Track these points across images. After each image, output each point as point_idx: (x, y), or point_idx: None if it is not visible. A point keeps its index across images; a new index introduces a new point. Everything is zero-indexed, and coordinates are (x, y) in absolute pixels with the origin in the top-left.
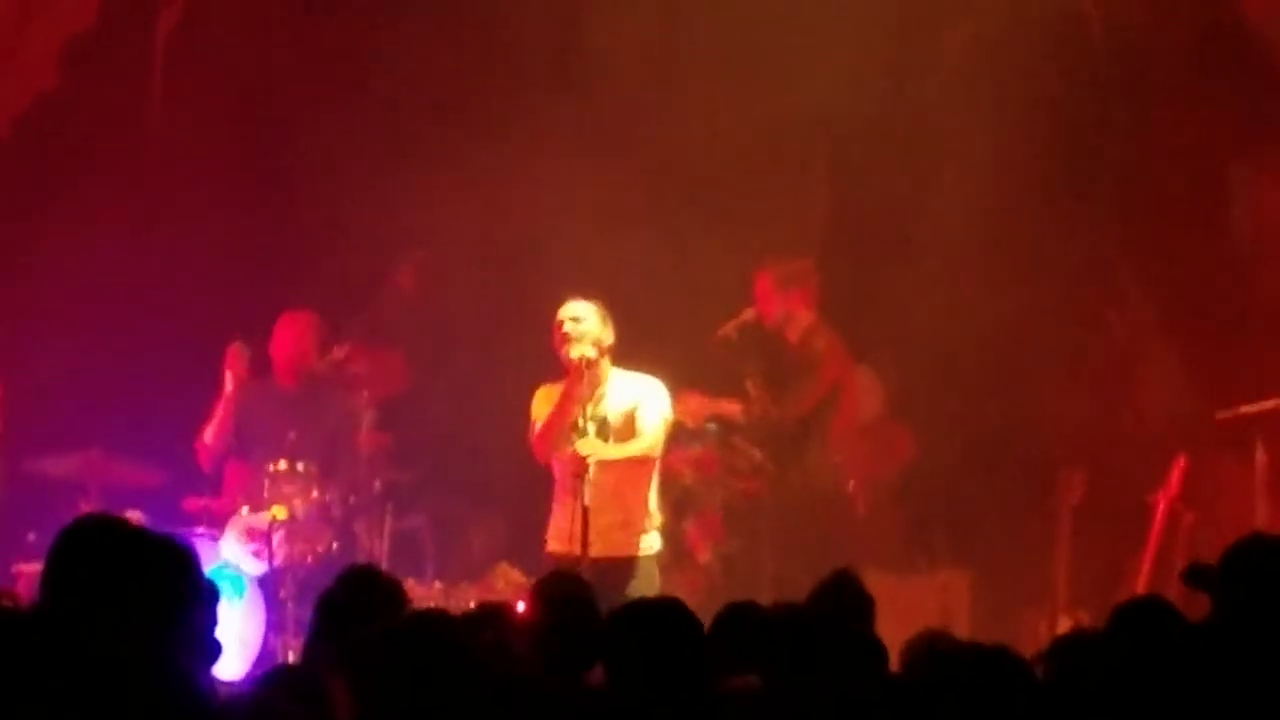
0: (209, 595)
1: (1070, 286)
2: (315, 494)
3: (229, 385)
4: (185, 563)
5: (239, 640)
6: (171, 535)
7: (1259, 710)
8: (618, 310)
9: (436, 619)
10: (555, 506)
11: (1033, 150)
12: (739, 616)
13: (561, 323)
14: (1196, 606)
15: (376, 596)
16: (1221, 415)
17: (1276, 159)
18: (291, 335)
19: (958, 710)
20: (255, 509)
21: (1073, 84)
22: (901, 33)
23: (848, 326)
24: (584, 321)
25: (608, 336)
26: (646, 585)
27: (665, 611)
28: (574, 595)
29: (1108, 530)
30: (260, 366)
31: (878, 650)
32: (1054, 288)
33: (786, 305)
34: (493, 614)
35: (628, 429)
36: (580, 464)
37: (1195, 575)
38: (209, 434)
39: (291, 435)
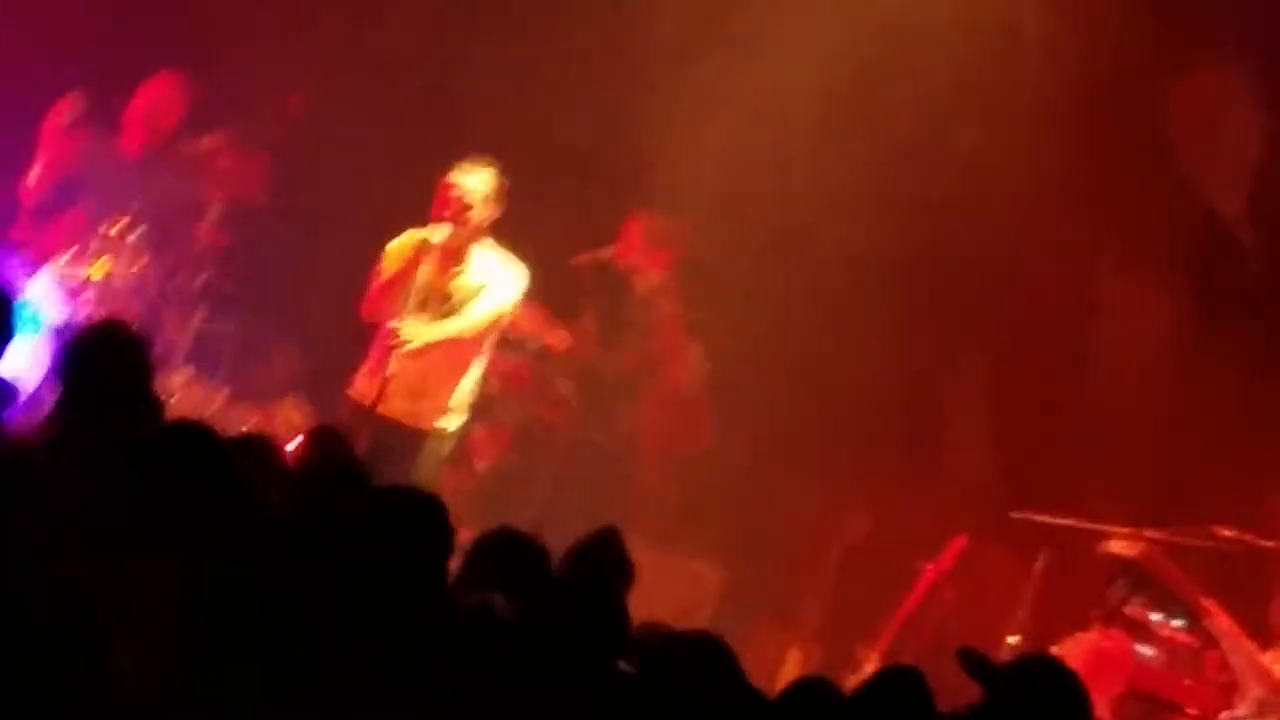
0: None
1: (910, 336)
2: (137, 267)
3: (48, 134)
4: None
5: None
6: None
7: None
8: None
9: (207, 432)
10: (369, 356)
11: (899, 199)
12: (504, 539)
13: (450, 186)
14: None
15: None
16: (1016, 514)
17: (1151, 279)
18: (152, 96)
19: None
20: (76, 260)
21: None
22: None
23: (694, 302)
24: (473, 194)
25: (492, 214)
26: (429, 461)
27: (415, 504)
28: (341, 455)
29: (872, 581)
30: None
31: (620, 617)
32: (896, 334)
33: (646, 259)
34: (261, 446)
35: (465, 306)
36: (396, 338)
37: (972, 663)
38: (33, 178)
39: (135, 203)
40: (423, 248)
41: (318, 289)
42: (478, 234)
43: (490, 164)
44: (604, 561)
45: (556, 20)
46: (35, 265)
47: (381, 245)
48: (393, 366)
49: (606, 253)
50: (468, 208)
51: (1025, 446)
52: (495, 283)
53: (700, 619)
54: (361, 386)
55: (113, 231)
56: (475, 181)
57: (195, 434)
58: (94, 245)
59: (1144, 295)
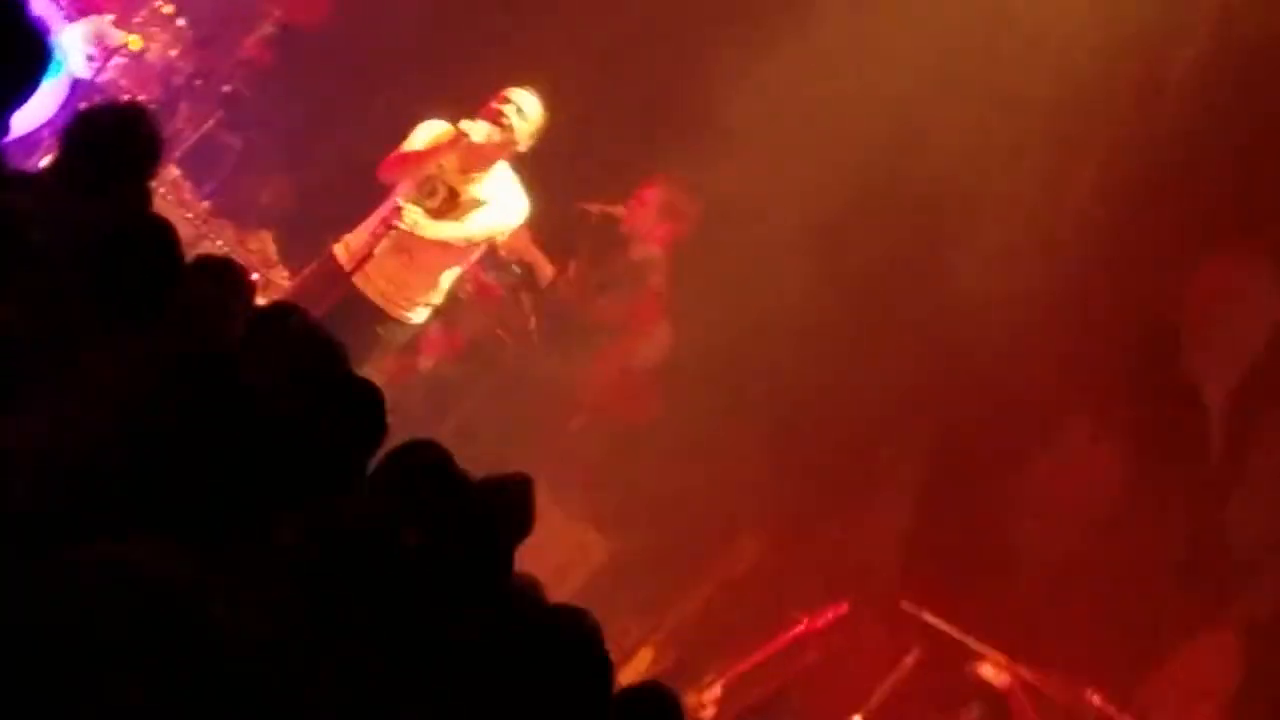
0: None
1: (870, 399)
2: (174, 54)
3: None
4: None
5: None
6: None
7: None
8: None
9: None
10: (367, 221)
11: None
12: (426, 451)
13: (505, 101)
14: None
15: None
16: (907, 606)
17: (1107, 438)
18: None
19: None
20: (118, 24)
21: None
22: None
23: (681, 279)
24: (522, 117)
25: (530, 144)
26: (381, 345)
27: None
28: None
29: (746, 611)
30: None
31: (500, 568)
32: (858, 390)
33: (652, 228)
34: (228, 271)
35: (466, 214)
36: (396, 216)
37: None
38: None
39: None
40: (457, 139)
41: (336, 136)
42: (508, 153)
43: (542, 93)
44: (509, 508)
45: None
46: (77, 14)
47: (412, 122)
48: (380, 246)
49: (616, 210)
50: (513, 128)
51: (939, 546)
52: (501, 204)
53: (573, 585)
54: (345, 249)
55: (164, 10)
56: (529, 106)
57: (158, 238)
58: (140, 16)
59: (1094, 450)
